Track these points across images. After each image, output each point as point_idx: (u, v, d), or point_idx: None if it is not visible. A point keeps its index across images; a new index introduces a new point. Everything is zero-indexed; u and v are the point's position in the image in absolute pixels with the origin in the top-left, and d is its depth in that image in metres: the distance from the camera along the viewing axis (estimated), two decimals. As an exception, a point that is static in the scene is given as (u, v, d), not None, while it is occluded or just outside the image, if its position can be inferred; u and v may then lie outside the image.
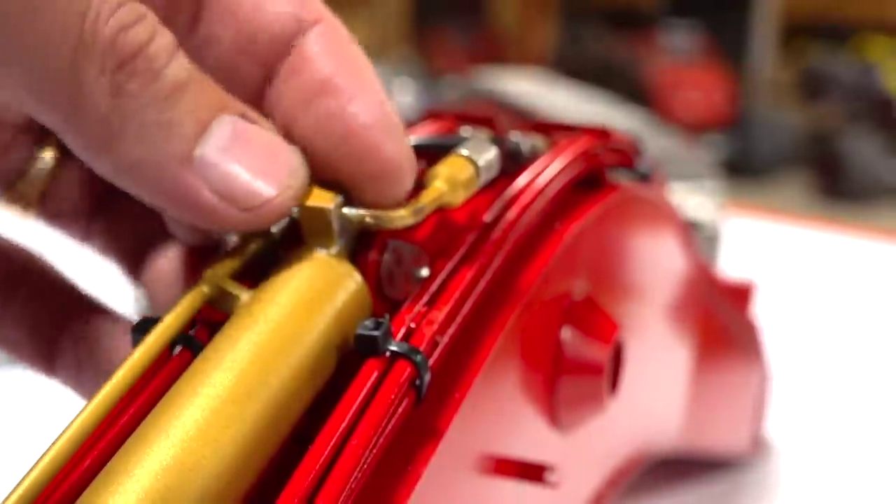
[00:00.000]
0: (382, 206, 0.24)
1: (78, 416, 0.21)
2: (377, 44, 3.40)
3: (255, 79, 0.25)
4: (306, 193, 0.23)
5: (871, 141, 2.97)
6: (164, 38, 0.22)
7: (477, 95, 0.98)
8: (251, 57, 0.25)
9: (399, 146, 0.24)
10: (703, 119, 3.00)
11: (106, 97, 0.21)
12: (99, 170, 0.22)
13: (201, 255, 0.28)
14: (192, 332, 0.23)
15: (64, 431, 0.20)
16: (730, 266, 0.67)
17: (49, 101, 0.21)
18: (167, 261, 0.29)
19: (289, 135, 0.24)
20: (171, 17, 0.23)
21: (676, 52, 3.17)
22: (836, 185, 2.96)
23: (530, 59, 3.39)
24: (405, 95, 1.34)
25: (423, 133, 0.31)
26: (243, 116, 0.23)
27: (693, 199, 0.73)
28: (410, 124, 0.32)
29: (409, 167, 0.24)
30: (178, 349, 0.22)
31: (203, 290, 0.23)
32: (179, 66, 0.22)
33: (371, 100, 0.24)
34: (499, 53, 3.65)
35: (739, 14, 3.35)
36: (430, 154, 0.28)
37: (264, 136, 0.23)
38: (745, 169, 2.99)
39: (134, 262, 0.29)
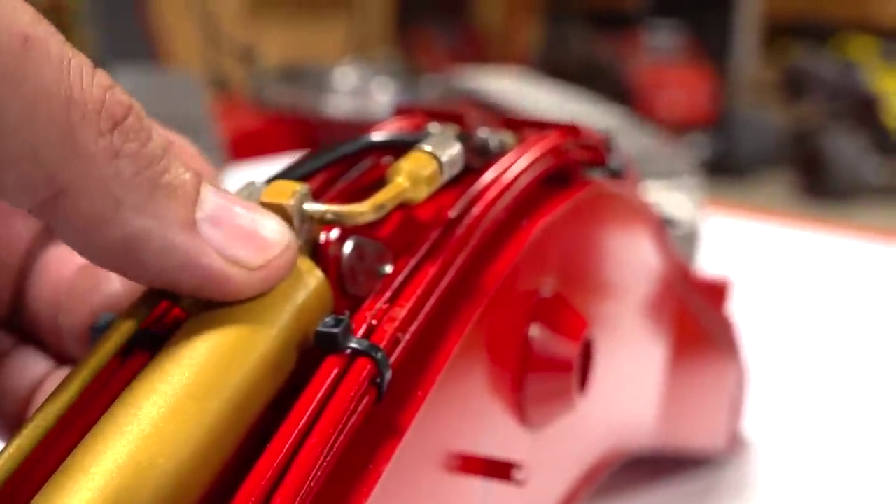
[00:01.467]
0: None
1: (36, 413, 0.20)
2: (359, 44, 3.40)
3: None
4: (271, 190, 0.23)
5: (853, 139, 2.99)
6: (138, 102, 0.20)
7: (457, 94, 0.98)
8: None
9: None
10: (687, 118, 3.02)
11: (108, 160, 0.19)
12: (93, 246, 0.20)
13: None
14: (151, 330, 0.22)
15: (22, 429, 0.20)
16: (709, 264, 0.67)
17: (44, 174, 0.19)
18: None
19: None
20: None
21: (659, 51, 3.18)
22: (818, 184, 2.98)
23: (514, 59, 3.40)
24: (384, 94, 1.33)
25: (391, 129, 0.31)
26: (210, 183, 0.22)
27: (672, 197, 0.73)
28: (382, 122, 0.32)
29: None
30: (137, 347, 0.22)
31: None
32: (158, 130, 0.20)
33: None
34: (482, 53, 3.66)
35: (722, 14, 3.37)
36: (395, 150, 0.27)
37: (239, 199, 0.22)
38: (728, 168, 3.01)
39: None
